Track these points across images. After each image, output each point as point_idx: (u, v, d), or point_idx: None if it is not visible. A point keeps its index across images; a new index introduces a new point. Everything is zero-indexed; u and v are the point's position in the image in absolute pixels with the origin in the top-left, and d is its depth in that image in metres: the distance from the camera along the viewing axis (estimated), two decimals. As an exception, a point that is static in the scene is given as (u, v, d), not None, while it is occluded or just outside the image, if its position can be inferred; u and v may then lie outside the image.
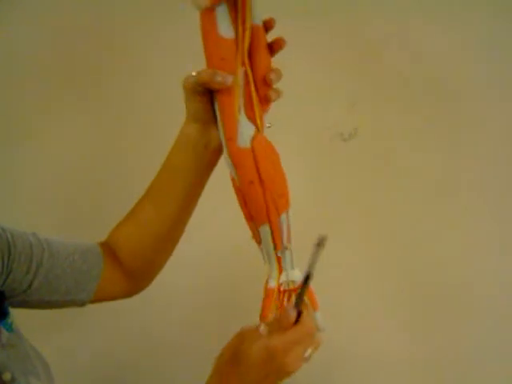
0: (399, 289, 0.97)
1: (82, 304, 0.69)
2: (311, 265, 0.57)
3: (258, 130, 0.64)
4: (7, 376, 0.55)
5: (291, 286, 0.67)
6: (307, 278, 0.58)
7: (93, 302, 0.70)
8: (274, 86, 0.65)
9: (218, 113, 0.64)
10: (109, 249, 0.72)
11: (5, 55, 1.02)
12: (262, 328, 0.57)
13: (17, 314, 0.61)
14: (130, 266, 0.72)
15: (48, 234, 0.66)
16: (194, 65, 0.61)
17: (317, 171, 0.96)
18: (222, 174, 0.67)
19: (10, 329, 0.58)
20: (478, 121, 0.94)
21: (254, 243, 0.70)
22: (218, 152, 0.68)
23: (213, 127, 0.65)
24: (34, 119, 1.02)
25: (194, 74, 0.62)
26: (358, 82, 0.95)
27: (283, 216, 0.65)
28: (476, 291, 0.95)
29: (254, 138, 0.64)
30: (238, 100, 0.63)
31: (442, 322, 0.95)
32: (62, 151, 1.02)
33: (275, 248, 0.65)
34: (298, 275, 0.66)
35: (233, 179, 0.65)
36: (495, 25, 0.90)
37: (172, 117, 0.68)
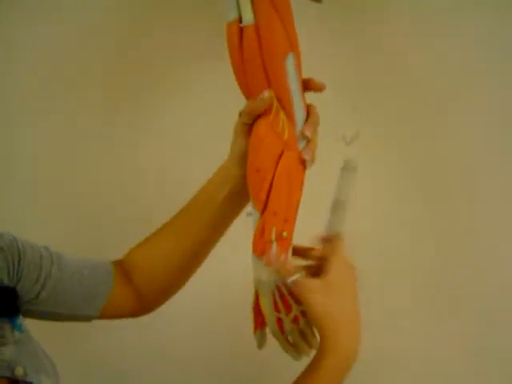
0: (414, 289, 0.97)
1: (88, 319, 0.70)
2: (339, 190, 0.61)
3: None
4: (19, 371, 0.55)
5: None
6: (337, 204, 0.62)
7: (99, 318, 0.70)
8: None
9: None
10: (122, 268, 0.72)
11: (5, 55, 1.01)
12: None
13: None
14: (143, 290, 0.73)
15: (58, 244, 0.67)
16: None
17: (318, 174, 0.96)
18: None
19: (19, 328, 0.58)
20: (481, 122, 0.94)
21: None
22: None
23: None
24: (34, 121, 1.01)
25: None
26: (360, 84, 0.95)
27: None
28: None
29: None
30: None
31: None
32: (64, 157, 1.01)
33: None
34: None
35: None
36: (497, 25, 0.91)
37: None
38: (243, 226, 0.72)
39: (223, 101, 0.91)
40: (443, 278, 0.97)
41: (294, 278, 0.61)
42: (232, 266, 0.94)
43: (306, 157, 0.67)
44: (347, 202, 0.62)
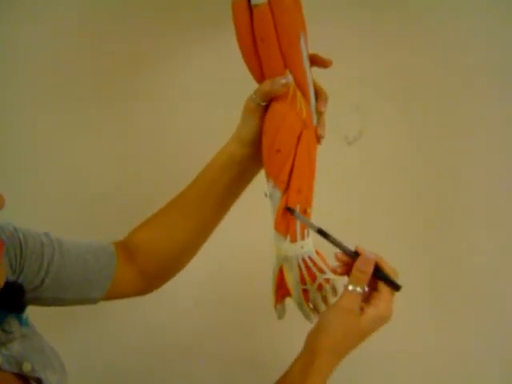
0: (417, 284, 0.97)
1: (94, 302, 0.69)
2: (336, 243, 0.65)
3: None
4: (27, 366, 0.54)
5: None
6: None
7: (105, 299, 0.69)
8: None
9: None
10: (125, 249, 0.72)
11: (5, 55, 1.01)
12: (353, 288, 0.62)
13: (32, 312, 0.61)
14: (147, 269, 0.72)
15: (62, 233, 0.66)
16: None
17: (320, 174, 0.96)
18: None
19: (25, 323, 0.58)
20: (480, 122, 0.95)
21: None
22: (257, 171, 0.71)
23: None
24: (34, 121, 1.01)
25: None
26: (362, 84, 0.96)
27: None
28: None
29: None
30: None
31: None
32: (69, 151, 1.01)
33: None
34: None
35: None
36: (496, 24, 0.92)
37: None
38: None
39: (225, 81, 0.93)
40: (444, 278, 0.98)
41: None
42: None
43: (322, 132, 0.68)
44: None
